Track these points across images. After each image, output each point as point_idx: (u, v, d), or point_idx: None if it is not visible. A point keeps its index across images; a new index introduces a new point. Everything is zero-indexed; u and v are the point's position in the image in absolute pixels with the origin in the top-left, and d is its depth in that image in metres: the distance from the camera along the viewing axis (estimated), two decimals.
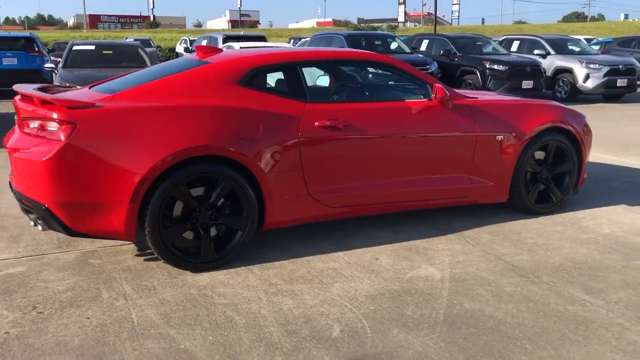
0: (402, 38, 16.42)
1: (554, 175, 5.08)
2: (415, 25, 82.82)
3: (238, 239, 3.84)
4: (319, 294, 3.45)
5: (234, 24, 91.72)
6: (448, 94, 4.38)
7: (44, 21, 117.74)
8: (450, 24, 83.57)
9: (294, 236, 4.40)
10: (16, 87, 3.83)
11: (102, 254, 4.02)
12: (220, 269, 3.80)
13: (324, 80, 5.31)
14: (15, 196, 3.76)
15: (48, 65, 10.61)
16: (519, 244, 4.30)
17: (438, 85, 4.35)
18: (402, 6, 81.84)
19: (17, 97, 3.81)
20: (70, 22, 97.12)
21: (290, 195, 3.98)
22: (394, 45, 14.06)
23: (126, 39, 28.44)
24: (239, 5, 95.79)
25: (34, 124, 3.56)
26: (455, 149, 4.49)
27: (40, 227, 3.64)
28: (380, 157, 4.24)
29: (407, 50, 13.91)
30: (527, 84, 13.33)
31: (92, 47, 10.62)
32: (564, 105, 5.23)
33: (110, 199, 3.47)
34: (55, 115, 3.42)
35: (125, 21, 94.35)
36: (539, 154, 4.95)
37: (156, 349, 2.83)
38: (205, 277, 3.67)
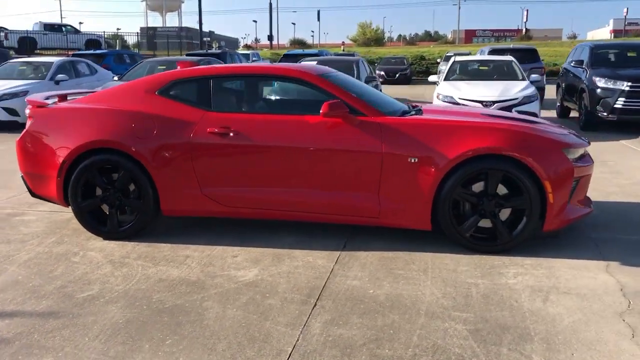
0: None
1: (512, 211, 4.37)
2: None
3: (136, 219, 4.73)
4: (134, 270, 4.13)
5: (616, 33, 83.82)
6: (339, 111, 4.34)
7: (429, 37, 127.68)
8: None
9: (212, 228, 5.01)
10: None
11: None
12: (125, 240, 4.75)
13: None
14: None
15: None
16: (373, 271, 4.04)
17: (329, 102, 4.36)
18: None
19: None
20: (450, 37, 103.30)
21: (185, 190, 4.66)
22: None
23: (447, 53, 29.77)
24: (625, 14, 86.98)
25: None
26: (356, 166, 4.40)
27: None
28: (272, 166, 4.52)
29: None
30: None
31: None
32: (532, 129, 4.40)
33: (49, 173, 4.81)
34: (27, 112, 4.94)
35: (500, 35, 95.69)
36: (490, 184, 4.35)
37: None
38: (101, 243, 4.69)
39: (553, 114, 13.81)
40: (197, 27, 49.53)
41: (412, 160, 4.33)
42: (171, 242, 4.71)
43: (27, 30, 33.58)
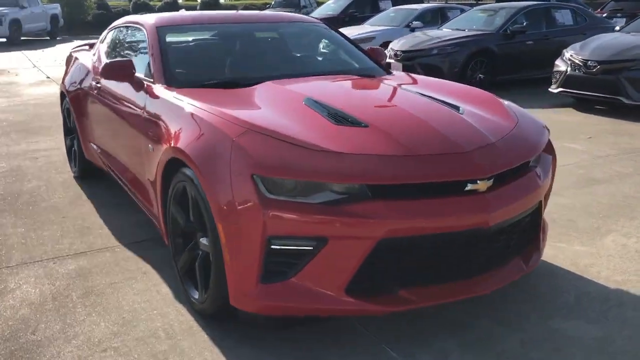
0: None
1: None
2: None
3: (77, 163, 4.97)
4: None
5: None
6: (114, 73, 3.40)
7: None
8: None
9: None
10: None
11: None
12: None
13: None
14: None
15: None
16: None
17: (110, 60, 3.47)
18: None
19: None
20: None
21: (88, 141, 4.59)
22: None
23: None
24: None
25: None
26: (136, 148, 3.44)
27: None
28: (108, 124, 4.06)
29: None
30: None
31: None
32: (247, 125, 2.51)
33: None
34: None
35: None
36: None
37: None
38: None
39: None
40: None
41: (150, 149, 3.10)
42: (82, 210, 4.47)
43: None
